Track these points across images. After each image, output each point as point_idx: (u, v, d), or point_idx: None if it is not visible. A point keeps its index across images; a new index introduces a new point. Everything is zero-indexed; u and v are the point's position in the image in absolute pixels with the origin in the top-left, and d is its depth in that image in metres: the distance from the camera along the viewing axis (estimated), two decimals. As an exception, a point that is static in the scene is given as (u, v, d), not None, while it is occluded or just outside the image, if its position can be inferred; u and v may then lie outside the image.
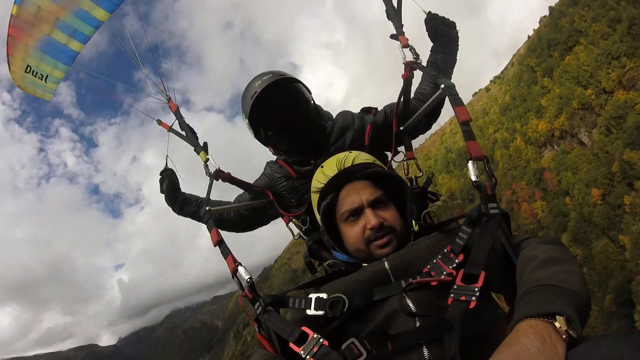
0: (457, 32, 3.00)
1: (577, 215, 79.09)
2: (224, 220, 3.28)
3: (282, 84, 2.83)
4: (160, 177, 3.28)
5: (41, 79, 3.63)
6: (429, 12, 2.95)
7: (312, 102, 3.03)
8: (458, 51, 3.03)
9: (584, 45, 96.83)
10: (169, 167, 3.31)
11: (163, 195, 3.30)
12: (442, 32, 2.93)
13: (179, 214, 3.34)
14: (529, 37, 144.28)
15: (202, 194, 3.13)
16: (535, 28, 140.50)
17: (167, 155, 3.30)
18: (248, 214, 3.31)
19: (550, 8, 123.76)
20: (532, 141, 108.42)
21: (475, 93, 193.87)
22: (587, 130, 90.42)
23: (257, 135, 3.06)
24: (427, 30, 2.96)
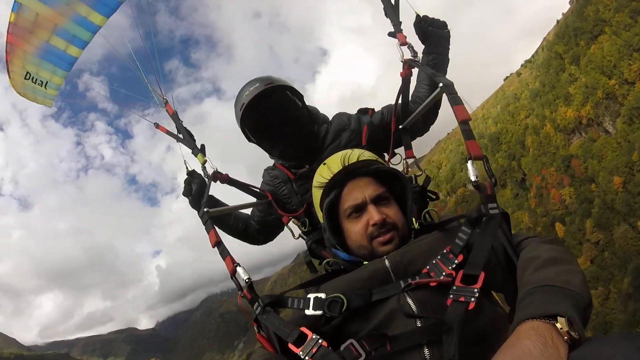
0: (448, 32, 2.98)
1: (601, 202, 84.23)
2: (247, 235, 3.44)
3: (270, 92, 2.84)
4: (187, 178, 3.18)
5: (41, 86, 3.64)
6: (418, 14, 2.91)
7: (302, 108, 3.03)
8: (449, 50, 2.99)
9: (608, 35, 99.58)
10: (191, 170, 3.22)
11: (187, 198, 3.16)
12: (432, 33, 2.90)
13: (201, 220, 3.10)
14: (557, 22, 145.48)
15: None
16: (564, 12, 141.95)
17: (184, 160, 3.23)
18: (262, 228, 3.39)
19: None
20: (561, 128, 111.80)
21: (507, 77, 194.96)
22: (612, 119, 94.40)
23: (252, 141, 3.10)
24: (416, 33, 2.93)
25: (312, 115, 3.11)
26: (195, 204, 3.11)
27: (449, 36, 2.97)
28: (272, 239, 3.52)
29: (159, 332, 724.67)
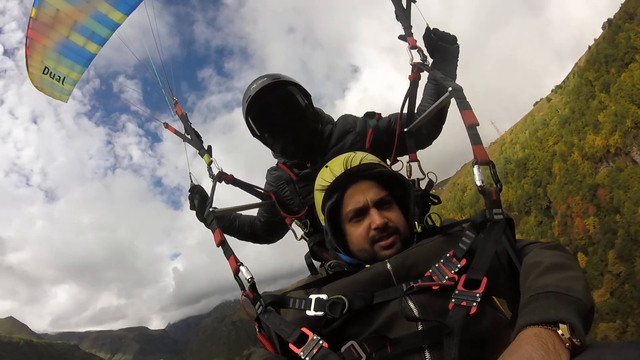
0: (458, 47, 2.94)
1: (624, 233, 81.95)
2: (255, 235, 3.50)
3: (277, 86, 2.87)
4: (189, 194, 3.28)
5: (58, 81, 3.68)
6: (428, 27, 2.88)
7: (307, 105, 3.02)
8: (457, 66, 2.95)
9: (639, 63, 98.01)
10: (196, 183, 3.29)
11: (194, 212, 3.27)
12: (441, 48, 2.87)
13: (206, 220, 3.11)
14: (589, 47, 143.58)
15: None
16: (597, 37, 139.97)
17: (190, 172, 3.29)
18: (268, 228, 3.42)
19: (609, 20, 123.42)
20: (589, 156, 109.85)
21: (537, 102, 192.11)
22: (639, 149, 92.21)
23: (256, 136, 3.09)
24: (425, 46, 2.87)
25: (317, 114, 3.13)
26: (200, 216, 3.20)
27: (458, 52, 2.95)
28: (280, 238, 3.57)
29: (169, 334, 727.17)
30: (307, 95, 3.03)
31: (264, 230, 3.44)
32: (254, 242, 3.57)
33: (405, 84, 2.74)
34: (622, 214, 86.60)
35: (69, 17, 3.36)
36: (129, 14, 3.53)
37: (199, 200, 3.22)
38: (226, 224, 3.42)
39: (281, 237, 3.55)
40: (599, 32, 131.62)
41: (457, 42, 2.93)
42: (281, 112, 2.92)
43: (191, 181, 3.31)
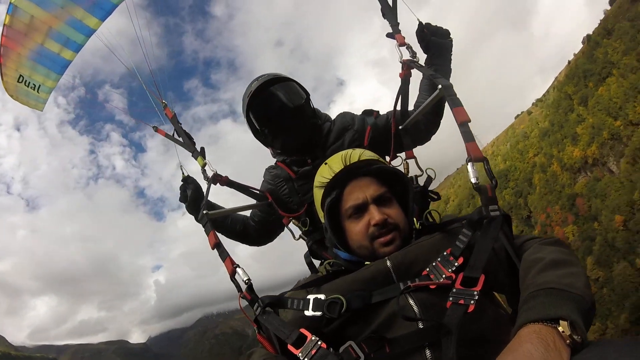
0: (451, 40, 2.95)
1: (602, 240, 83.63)
2: (247, 235, 3.41)
3: (277, 82, 2.92)
4: (182, 184, 3.21)
5: (34, 89, 3.59)
6: (420, 22, 2.86)
7: (306, 100, 3.03)
8: (451, 61, 2.96)
9: (616, 77, 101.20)
10: (186, 176, 3.23)
11: (184, 204, 3.18)
12: (435, 43, 2.87)
13: (200, 222, 3.06)
14: (569, 62, 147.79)
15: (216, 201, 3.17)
16: (576, 52, 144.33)
17: (180, 165, 3.25)
18: (261, 228, 3.36)
19: (588, 36, 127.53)
20: (568, 167, 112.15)
21: (518, 115, 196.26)
22: (616, 159, 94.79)
23: (256, 135, 3.11)
24: (418, 42, 2.88)
25: (315, 111, 3.13)
26: (192, 209, 3.15)
27: (452, 45, 2.96)
28: (271, 240, 3.52)
29: (150, 347, 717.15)
30: (305, 92, 3.08)
31: (257, 230, 3.39)
32: (244, 242, 3.50)
33: (397, 83, 2.73)
34: (599, 221, 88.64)
35: (43, 24, 3.28)
36: (105, 19, 3.47)
37: (193, 191, 3.15)
38: (217, 220, 3.27)
39: (272, 239, 3.53)
40: (579, 46, 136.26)
41: (450, 35, 2.96)
42: (282, 107, 2.94)
43: (183, 173, 3.26)
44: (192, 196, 3.14)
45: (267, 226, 3.34)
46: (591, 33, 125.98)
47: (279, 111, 2.94)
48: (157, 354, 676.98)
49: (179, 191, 3.23)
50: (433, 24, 2.94)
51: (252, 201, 3.30)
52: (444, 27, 2.94)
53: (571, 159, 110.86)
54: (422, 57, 2.84)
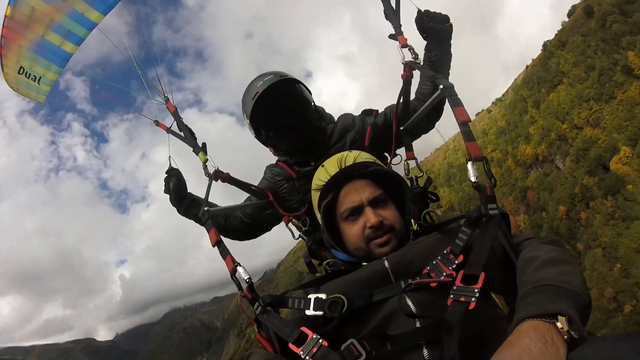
0: (450, 25, 2.91)
1: (548, 227, 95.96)
2: (228, 228, 3.27)
3: (283, 84, 2.82)
4: (166, 176, 3.18)
5: (34, 81, 3.54)
6: (419, 9, 2.85)
7: (312, 103, 3.01)
8: (451, 46, 2.94)
9: (565, 86, 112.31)
10: (174, 167, 3.20)
11: (168, 196, 3.18)
12: (433, 28, 2.84)
13: (184, 215, 3.24)
14: (526, 67, 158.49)
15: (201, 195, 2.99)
16: (534, 58, 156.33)
17: (169, 156, 3.22)
18: (250, 222, 3.26)
19: (545, 44, 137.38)
20: (521, 163, 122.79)
21: (478, 113, 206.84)
22: (562, 157, 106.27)
23: (258, 136, 3.04)
24: (417, 28, 2.87)
25: (320, 112, 3.12)
26: (173, 200, 3.18)
27: (451, 30, 2.93)
28: (256, 236, 3.44)
29: (118, 344, 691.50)
30: (310, 93, 3.06)
31: (245, 223, 3.30)
32: (225, 235, 3.26)
33: (398, 83, 2.73)
34: (547, 211, 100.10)
35: (45, 16, 3.23)
36: (107, 13, 3.44)
37: (175, 183, 3.17)
38: (197, 212, 3.06)
39: (256, 236, 3.46)
40: (540, 49, 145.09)
41: (449, 21, 2.93)
42: (288, 110, 2.92)
43: (170, 165, 3.25)
44: (174, 189, 3.16)
45: (258, 220, 3.29)
46: (551, 38, 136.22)
47: (287, 116, 2.92)
48: (126, 350, 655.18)
49: (164, 183, 3.23)
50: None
51: (245, 197, 3.29)
52: (442, 13, 2.92)
53: (524, 156, 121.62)
54: (422, 45, 2.90)
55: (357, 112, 3.30)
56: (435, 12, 2.91)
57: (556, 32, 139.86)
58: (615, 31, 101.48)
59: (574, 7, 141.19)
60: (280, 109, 2.92)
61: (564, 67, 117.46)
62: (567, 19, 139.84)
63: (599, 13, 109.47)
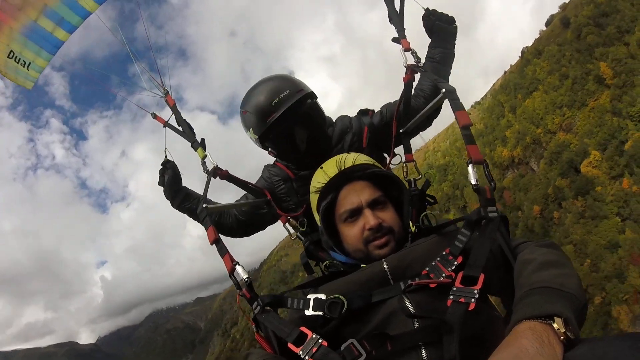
0: (456, 27, 2.93)
1: (523, 226, 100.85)
2: (222, 225, 3.23)
3: (300, 104, 2.72)
4: (161, 168, 3.13)
5: (23, 66, 3.43)
6: (427, 8, 2.87)
7: (325, 116, 2.93)
8: (455, 46, 2.96)
9: (540, 93, 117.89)
10: (170, 159, 3.13)
11: (162, 188, 3.13)
12: (439, 27, 2.87)
13: (177, 209, 3.21)
14: (505, 72, 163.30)
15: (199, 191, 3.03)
16: (512, 64, 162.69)
17: (165, 148, 3.15)
18: (245, 219, 3.24)
19: (523, 51, 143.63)
20: (498, 164, 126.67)
21: None
22: (537, 160, 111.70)
23: (262, 145, 2.98)
24: (424, 26, 2.89)
25: (325, 120, 3.03)
26: (167, 193, 3.14)
27: (456, 32, 2.97)
28: (250, 234, 3.41)
29: (100, 348, 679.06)
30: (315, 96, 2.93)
31: (239, 221, 3.28)
32: (221, 232, 3.19)
33: (399, 86, 2.73)
34: (522, 210, 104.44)
35: (39, 0, 3.16)
36: (102, 2, 3.37)
37: (170, 176, 3.13)
38: (193, 207, 3.13)
39: (249, 234, 3.42)
40: (518, 54, 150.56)
41: (455, 23, 2.96)
42: (306, 130, 2.83)
43: (165, 157, 3.19)
44: (169, 181, 3.12)
45: (253, 219, 3.28)
46: (529, 46, 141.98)
47: (302, 135, 2.84)
48: (109, 354, 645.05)
49: (158, 175, 3.17)
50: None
51: (241, 195, 3.24)
52: (449, 15, 2.95)
53: (501, 158, 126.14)
54: (425, 49, 2.91)
55: (338, 113, 3.27)
56: (442, 12, 2.96)
57: (534, 39, 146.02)
58: (590, 42, 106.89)
59: (552, 17, 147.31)
60: (297, 129, 2.82)
61: (539, 75, 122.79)
62: (545, 28, 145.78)
63: (574, 24, 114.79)
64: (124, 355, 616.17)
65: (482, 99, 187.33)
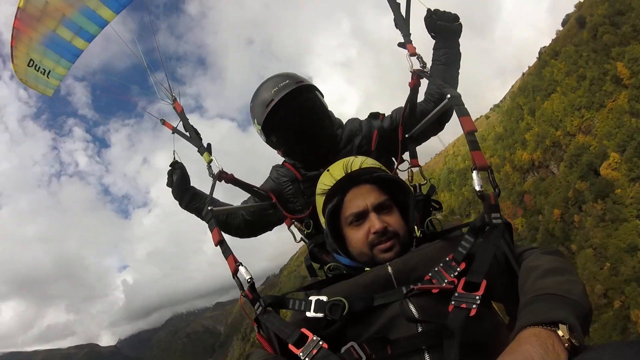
0: (459, 25, 2.88)
1: (544, 230, 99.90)
2: (230, 225, 3.27)
3: (299, 92, 2.74)
4: (170, 169, 3.19)
5: (43, 74, 3.54)
6: (429, 9, 2.84)
7: (327, 111, 2.95)
8: (460, 44, 2.93)
9: (559, 94, 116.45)
10: (178, 161, 3.21)
11: (170, 189, 3.20)
12: (441, 27, 2.84)
13: (185, 209, 3.27)
14: (523, 74, 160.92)
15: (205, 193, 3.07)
16: (530, 65, 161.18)
17: (174, 151, 3.22)
18: (252, 220, 3.26)
19: (540, 52, 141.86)
20: (518, 168, 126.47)
21: (477, 119, 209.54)
22: (556, 163, 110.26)
23: (268, 140, 3.02)
24: (426, 27, 2.85)
25: (332, 118, 3.06)
26: (176, 194, 3.21)
27: (460, 29, 2.93)
28: (257, 234, 3.46)
29: (120, 350, 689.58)
30: (322, 96, 2.99)
31: (246, 221, 3.32)
32: (229, 232, 3.37)
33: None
34: (543, 214, 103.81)
35: (57, 11, 3.25)
36: (119, 12, 3.45)
37: (179, 176, 3.20)
38: (200, 207, 3.20)
39: (256, 234, 3.47)
40: (537, 51, 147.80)
41: (459, 20, 2.92)
42: (303, 119, 2.87)
43: (174, 159, 3.27)
44: (177, 182, 3.19)
45: (260, 219, 3.31)
46: (546, 46, 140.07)
47: (302, 125, 2.87)
48: (128, 356, 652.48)
49: (167, 176, 3.27)
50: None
51: (247, 197, 3.28)
52: (452, 12, 2.92)
53: (521, 161, 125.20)
54: (430, 53, 2.90)
55: (358, 116, 3.28)
56: (444, 11, 2.93)
57: (551, 40, 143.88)
58: (606, 42, 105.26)
59: (568, 17, 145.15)
60: (295, 117, 2.85)
61: (557, 77, 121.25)
62: (561, 28, 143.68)
63: (590, 24, 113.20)
64: (143, 358, 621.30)
65: (501, 101, 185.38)
